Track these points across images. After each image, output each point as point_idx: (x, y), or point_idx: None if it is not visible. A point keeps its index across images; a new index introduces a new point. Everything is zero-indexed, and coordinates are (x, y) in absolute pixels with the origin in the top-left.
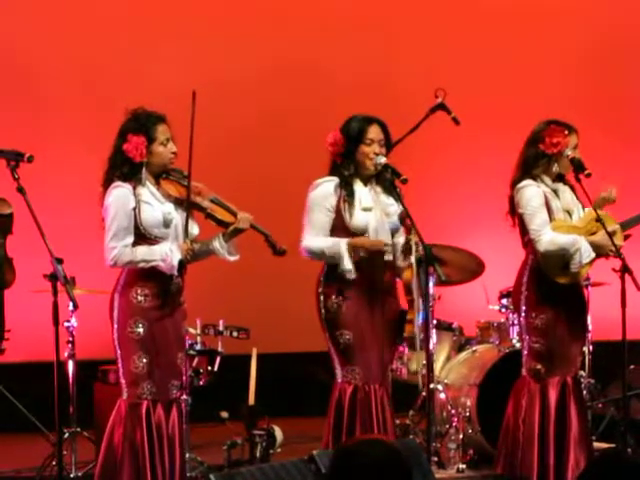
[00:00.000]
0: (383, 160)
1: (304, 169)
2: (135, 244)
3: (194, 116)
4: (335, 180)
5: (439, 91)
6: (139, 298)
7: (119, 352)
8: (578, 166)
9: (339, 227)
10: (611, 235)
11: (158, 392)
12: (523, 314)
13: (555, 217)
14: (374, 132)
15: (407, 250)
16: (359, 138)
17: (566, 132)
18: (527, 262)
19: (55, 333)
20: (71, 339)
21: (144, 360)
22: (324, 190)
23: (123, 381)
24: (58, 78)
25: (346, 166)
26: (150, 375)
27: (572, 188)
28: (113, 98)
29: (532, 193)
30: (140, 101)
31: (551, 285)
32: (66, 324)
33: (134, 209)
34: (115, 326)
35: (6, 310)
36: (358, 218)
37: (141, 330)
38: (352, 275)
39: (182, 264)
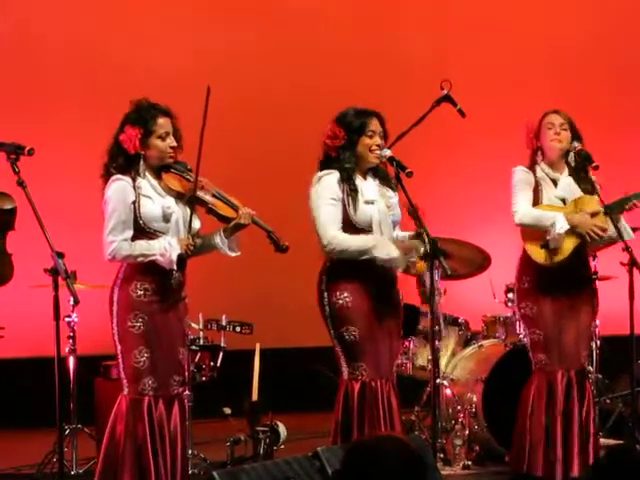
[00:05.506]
0: (388, 153)
1: (307, 157)
2: (135, 238)
3: (207, 111)
4: (337, 173)
5: (445, 83)
6: (139, 292)
7: (119, 347)
8: (585, 158)
9: (344, 221)
10: (593, 215)
11: (159, 387)
12: (517, 306)
13: (542, 203)
14: (375, 124)
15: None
16: (361, 130)
17: (542, 118)
18: (521, 255)
19: (56, 328)
20: (72, 334)
21: (145, 355)
22: (328, 182)
23: (124, 377)
24: (60, 70)
25: (348, 158)
26: (151, 370)
27: (582, 180)
28: (116, 92)
29: (519, 175)
30: (141, 90)
31: (540, 274)
32: (67, 319)
33: (134, 202)
34: (115, 320)
35: (6, 305)
36: (362, 211)
37: (141, 324)
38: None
39: (182, 259)
